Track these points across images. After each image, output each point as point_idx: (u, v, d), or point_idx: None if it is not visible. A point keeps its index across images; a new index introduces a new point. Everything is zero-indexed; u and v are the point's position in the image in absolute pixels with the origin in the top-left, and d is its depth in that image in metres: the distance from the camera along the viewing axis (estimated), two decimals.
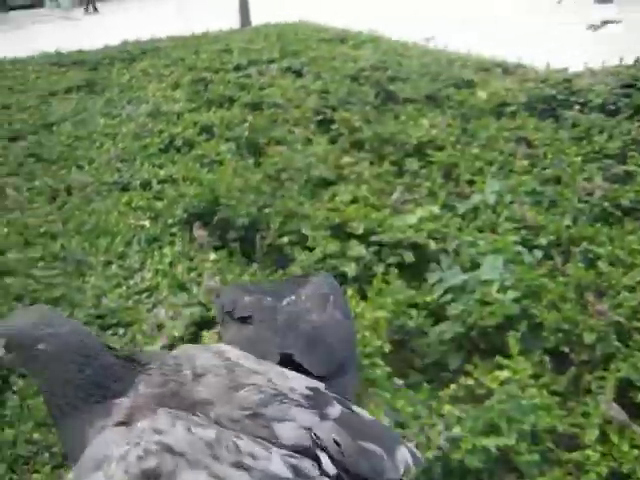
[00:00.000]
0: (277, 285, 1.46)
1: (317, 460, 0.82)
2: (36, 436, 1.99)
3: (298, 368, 0.99)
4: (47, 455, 1.94)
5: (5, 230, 3.29)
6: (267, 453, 0.80)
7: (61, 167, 4.07)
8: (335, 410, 0.87)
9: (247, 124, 4.21)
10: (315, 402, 0.88)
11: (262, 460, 0.79)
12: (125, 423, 0.83)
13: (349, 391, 1.08)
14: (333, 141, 4.20)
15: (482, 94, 4.89)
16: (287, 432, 0.84)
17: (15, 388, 2.23)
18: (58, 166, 4.09)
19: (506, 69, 5.59)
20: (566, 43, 6.42)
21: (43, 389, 0.92)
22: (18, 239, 3.22)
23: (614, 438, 1.93)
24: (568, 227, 3.02)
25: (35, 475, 1.85)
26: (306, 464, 0.80)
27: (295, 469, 0.79)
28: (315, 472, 0.80)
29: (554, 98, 4.62)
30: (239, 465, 0.78)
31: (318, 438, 0.84)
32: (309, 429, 0.85)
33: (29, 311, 0.93)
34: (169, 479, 0.76)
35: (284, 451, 0.81)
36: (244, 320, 1.10)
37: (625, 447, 1.89)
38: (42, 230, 3.27)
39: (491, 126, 4.23)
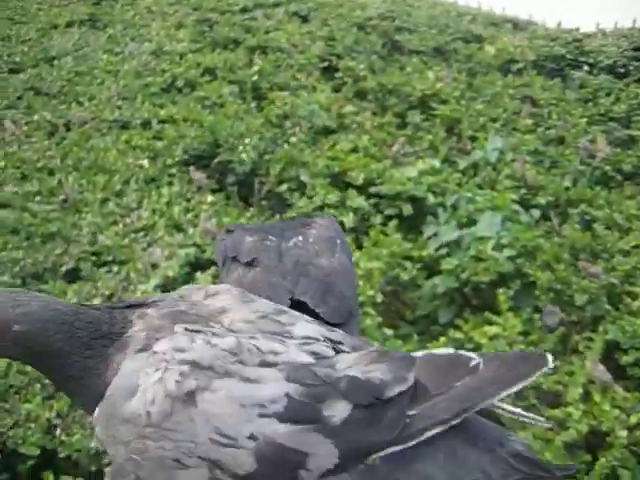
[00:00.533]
0: (280, 224, 1.42)
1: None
2: (28, 367, 2.01)
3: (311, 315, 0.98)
4: (38, 386, 1.97)
5: (2, 163, 3.26)
6: (284, 347, 0.82)
7: (61, 102, 4.02)
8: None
9: (255, 67, 4.15)
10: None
11: (283, 353, 0.81)
12: (145, 349, 0.81)
13: None
14: (336, 89, 4.15)
15: (490, 49, 4.82)
16: (299, 330, 0.86)
17: None
18: (58, 101, 4.04)
19: (516, 25, 5.51)
20: (580, 2, 6.30)
21: (42, 370, 0.88)
22: (15, 173, 3.20)
23: (596, 397, 1.96)
24: (567, 189, 3.01)
25: (26, 405, 1.88)
26: (321, 347, 0.83)
27: (313, 353, 0.82)
28: (331, 352, 0.82)
29: (563, 58, 4.55)
30: (264, 363, 0.80)
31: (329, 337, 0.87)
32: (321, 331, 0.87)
33: None
34: (204, 394, 0.77)
35: (298, 340, 0.83)
36: (249, 263, 1.07)
37: (606, 406, 1.92)
38: (39, 165, 3.24)
39: (497, 82, 4.18)
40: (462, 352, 0.79)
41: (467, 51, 4.73)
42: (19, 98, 4.10)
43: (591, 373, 2.04)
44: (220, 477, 0.78)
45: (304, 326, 0.86)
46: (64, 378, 0.86)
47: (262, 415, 0.77)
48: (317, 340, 0.84)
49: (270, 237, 1.09)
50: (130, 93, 4.03)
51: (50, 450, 1.78)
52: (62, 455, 1.75)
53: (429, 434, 0.75)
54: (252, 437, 0.77)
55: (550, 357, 0.76)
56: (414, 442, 0.76)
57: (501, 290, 2.36)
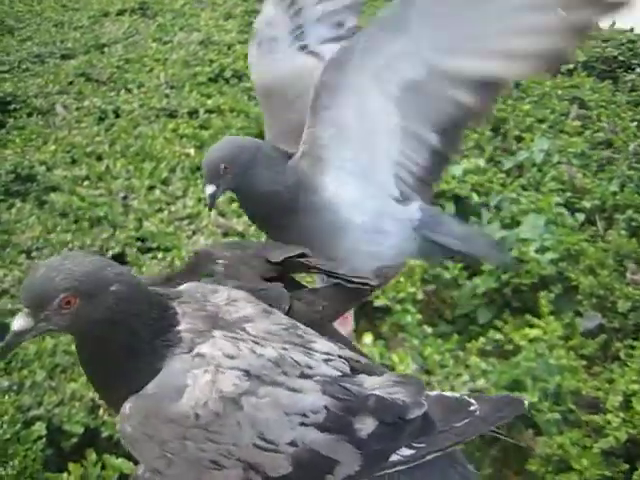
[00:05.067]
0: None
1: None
2: (74, 348, 2.06)
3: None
4: None
5: (53, 147, 3.34)
6: (315, 361, 0.88)
7: (110, 89, 4.09)
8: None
9: None
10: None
11: (316, 367, 0.87)
12: (189, 351, 0.83)
13: None
14: None
15: None
16: (319, 346, 0.91)
17: None
18: (107, 87, 4.11)
19: None
20: (636, 2, 6.15)
21: (104, 339, 0.84)
22: (65, 157, 3.27)
23: (637, 406, 1.94)
24: (614, 193, 2.97)
25: (72, 384, 1.93)
26: (340, 363, 0.90)
27: (336, 369, 0.89)
28: (347, 369, 0.90)
29: (615, 59, 4.46)
30: (303, 376, 0.85)
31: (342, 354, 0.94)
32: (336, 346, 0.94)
33: (82, 259, 0.83)
34: (252, 400, 0.80)
35: (322, 355, 0.89)
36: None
37: None
38: (88, 150, 3.31)
39: (545, 83, 4.12)
40: (465, 397, 0.96)
41: None
42: (70, 84, 4.17)
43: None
44: (252, 477, 0.82)
45: (322, 342, 0.93)
46: (113, 359, 0.84)
47: (304, 424, 0.82)
48: (335, 356, 0.91)
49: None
50: (178, 82, 4.08)
51: (93, 429, 1.83)
52: (104, 435, 1.80)
53: (429, 457, 0.92)
54: (292, 443, 0.82)
55: (526, 403, 1.01)
56: (417, 462, 0.91)
57: (542, 293, 2.34)
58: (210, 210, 1.18)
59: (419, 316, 2.25)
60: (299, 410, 0.82)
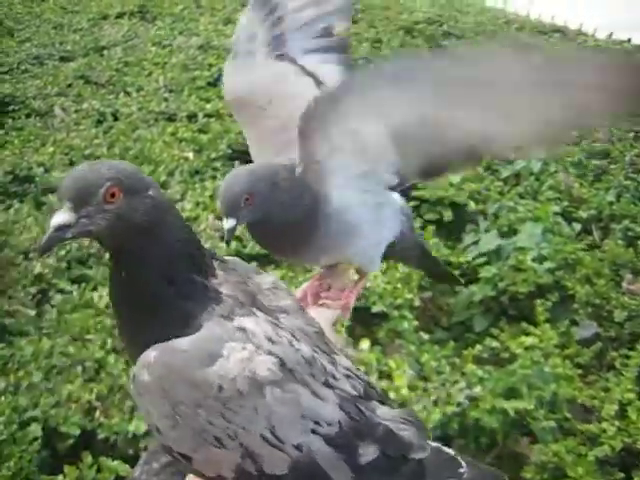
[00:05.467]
0: None
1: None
2: (71, 349, 2.06)
3: None
4: (80, 368, 2.02)
5: (51, 149, 3.34)
6: (338, 373, 0.85)
7: (109, 91, 4.09)
8: None
9: None
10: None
11: (339, 380, 0.85)
12: (228, 317, 0.79)
13: None
14: None
15: None
16: (341, 360, 0.89)
17: (53, 302, 2.31)
18: (106, 90, 4.12)
19: (565, 35, 5.44)
20: (634, 14, 6.20)
21: (135, 261, 0.78)
22: (63, 159, 3.27)
23: (632, 415, 1.95)
24: (611, 203, 2.98)
25: (68, 385, 1.93)
26: (356, 383, 0.88)
27: (354, 388, 0.87)
28: (362, 391, 0.88)
29: None
30: (328, 384, 0.83)
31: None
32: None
33: (111, 161, 0.79)
34: (276, 391, 0.78)
35: (343, 370, 0.87)
36: None
37: None
38: (87, 152, 3.31)
39: None
40: (459, 457, 0.94)
41: None
42: (69, 86, 4.18)
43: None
44: (247, 467, 0.79)
45: (343, 358, 0.91)
46: (146, 285, 0.78)
47: (315, 432, 0.81)
48: (354, 375, 0.89)
49: None
50: (177, 86, 4.09)
51: (89, 431, 1.83)
52: (101, 437, 1.80)
53: None
54: (298, 447, 0.80)
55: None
56: None
57: (539, 301, 2.35)
58: (227, 245, 1.16)
59: (416, 323, 2.25)
60: (315, 417, 0.81)
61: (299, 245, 1.12)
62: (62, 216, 0.73)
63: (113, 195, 0.74)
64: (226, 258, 0.89)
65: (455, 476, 0.92)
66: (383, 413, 0.89)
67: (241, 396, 0.77)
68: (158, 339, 0.77)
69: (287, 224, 1.06)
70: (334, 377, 0.84)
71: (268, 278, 0.91)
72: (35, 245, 2.32)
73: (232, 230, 1.03)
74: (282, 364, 0.79)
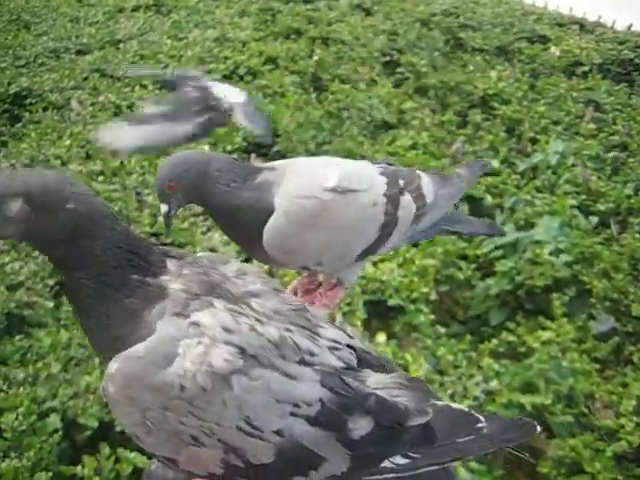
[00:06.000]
0: None
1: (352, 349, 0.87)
2: (88, 341, 2.07)
3: None
4: (97, 360, 2.03)
5: (68, 142, 3.35)
6: (318, 348, 0.83)
7: (125, 85, 4.10)
8: None
9: (315, 58, 4.17)
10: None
11: (318, 355, 0.82)
12: (183, 314, 0.78)
13: None
14: (397, 84, 4.13)
15: (555, 51, 4.73)
16: (326, 332, 0.86)
17: None
18: (122, 83, 4.12)
19: (583, 27, 5.38)
20: None
21: (69, 266, 0.79)
22: (80, 152, 3.28)
23: None
24: (629, 197, 2.96)
25: (86, 377, 1.94)
26: (347, 354, 0.85)
27: (341, 359, 0.84)
28: (354, 361, 0.85)
29: (631, 62, 4.44)
30: (303, 362, 0.81)
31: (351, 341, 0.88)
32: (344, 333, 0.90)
33: (41, 171, 0.79)
34: (243, 380, 0.76)
35: (328, 342, 0.84)
36: None
37: None
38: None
39: (561, 85, 4.11)
40: (474, 412, 0.87)
41: (531, 51, 4.65)
42: (85, 79, 4.19)
43: None
44: (233, 461, 0.79)
45: (331, 329, 0.88)
46: (95, 287, 0.78)
47: (294, 414, 0.79)
48: (342, 346, 0.86)
49: None
50: None
51: (107, 422, 1.83)
52: (118, 428, 1.81)
53: (424, 469, 0.85)
54: (279, 433, 0.78)
55: (538, 428, 0.88)
56: (410, 473, 0.85)
57: (556, 295, 2.34)
58: (167, 229, 1.14)
59: (432, 316, 2.25)
60: (291, 399, 0.78)
61: (248, 242, 1.11)
62: None
63: (21, 210, 0.75)
64: (196, 254, 0.88)
65: (473, 432, 0.87)
66: (376, 382, 0.86)
67: (205, 392, 0.76)
68: (114, 343, 0.77)
69: (229, 217, 1.06)
70: (311, 353, 0.82)
71: (234, 266, 0.89)
72: None
73: (167, 215, 1.03)
74: (242, 352, 0.77)
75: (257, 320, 0.81)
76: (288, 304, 0.86)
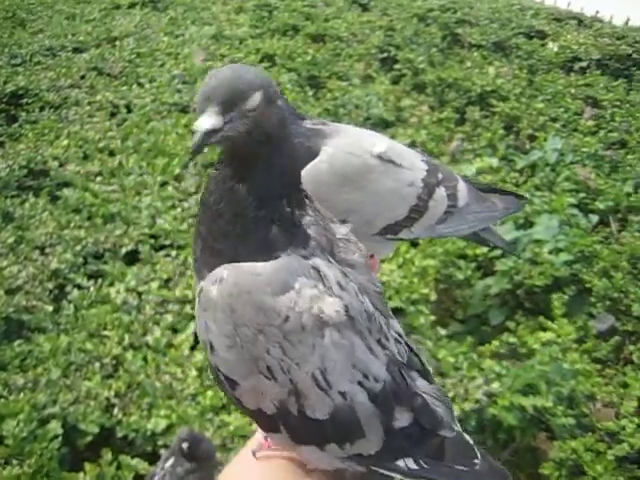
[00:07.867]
0: None
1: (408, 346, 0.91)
2: (88, 346, 2.07)
3: None
4: (98, 365, 2.03)
5: (65, 142, 3.33)
6: (390, 335, 0.86)
7: (122, 83, 4.08)
8: None
9: (312, 55, 4.15)
10: None
11: (390, 341, 0.85)
12: (306, 257, 0.79)
13: None
14: (395, 81, 4.12)
15: (553, 46, 4.72)
16: (394, 324, 0.90)
17: (70, 298, 2.32)
18: (119, 82, 4.11)
19: (581, 22, 5.36)
20: None
21: (254, 167, 0.78)
22: (78, 152, 3.27)
23: None
24: (628, 194, 2.95)
25: (86, 382, 1.93)
26: (404, 350, 0.88)
27: (400, 353, 0.87)
28: (406, 359, 0.88)
29: (629, 57, 4.43)
30: (380, 344, 0.84)
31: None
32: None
33: (255, 70, 0.80)
34: (335, 334, 0.79)
35: (394, 335, 0.88)
36: None
37: None
38: (101, 145, 3.31)
39: (558, 81, 4.10)
40: (475, 448, 0.92)
41: (529, 47, 4.63)
42: (82, 77, 4.17)
43: None
44: (290, 406, 0.80)
45: (396, 323, 0.91)
46: (253, 200, 0.78)
47: (361, 384, 0.81)
48: (403, 341, 0.89)
49: None
50: (190, 77, 4.07)
51: (108, 428, 1.83)
52: (120, 434, 1.80)
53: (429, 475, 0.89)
54: (343, 395, 0.80)
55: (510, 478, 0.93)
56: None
57: (555, 295, 2.33)
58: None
59: (432, 317, 2.24)
60: (365, 369, 0.81)
61: None
62: (211, 120, 0.74)
63: (260, 103, 0.75)
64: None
65: (469, 465, 0.92)
66: (422, 385, 0.89)
67: (303, 331, 0.77)
68: (233, 260, 0.77)
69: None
70: (386, 338, 0.85)
71: (343, 229, 0.90)
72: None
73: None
74: (347, 311, 0.79)
75: (360, 289, 0.83)
76: (374, 284, 0.89)
